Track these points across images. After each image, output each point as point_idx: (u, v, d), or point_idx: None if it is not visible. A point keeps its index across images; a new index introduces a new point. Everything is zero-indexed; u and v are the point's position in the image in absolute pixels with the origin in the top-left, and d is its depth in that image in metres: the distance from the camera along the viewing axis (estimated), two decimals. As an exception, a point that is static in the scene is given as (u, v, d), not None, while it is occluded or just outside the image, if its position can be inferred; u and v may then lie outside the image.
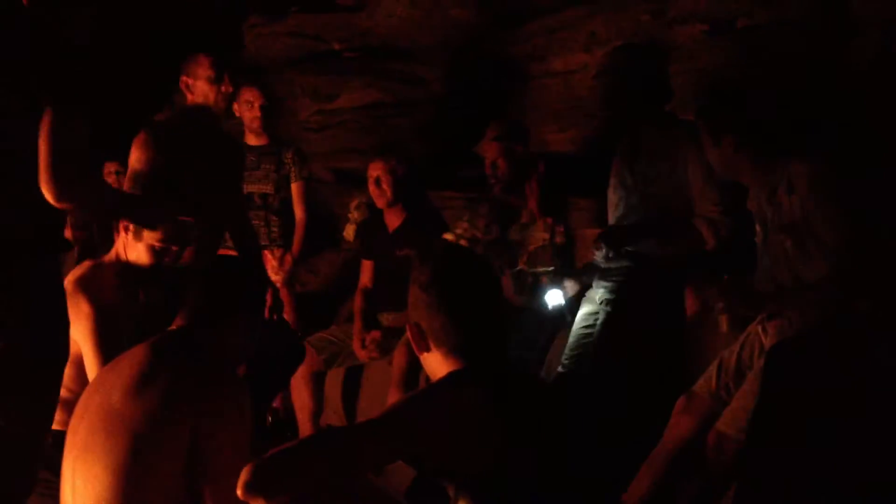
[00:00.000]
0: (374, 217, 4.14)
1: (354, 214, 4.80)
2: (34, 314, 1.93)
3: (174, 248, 2.59)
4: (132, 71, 4.90)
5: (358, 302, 3.90)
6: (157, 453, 1.82)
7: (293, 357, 3.40)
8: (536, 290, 3.43)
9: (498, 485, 1.52)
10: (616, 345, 3.06)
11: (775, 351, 2.21)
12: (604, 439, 2.51)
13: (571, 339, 3.18)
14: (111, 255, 2.66)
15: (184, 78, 3.03)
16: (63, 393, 2.12)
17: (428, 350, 1.68)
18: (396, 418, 1.58)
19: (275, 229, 4.10)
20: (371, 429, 1.57)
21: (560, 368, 3.16)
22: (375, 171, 3.81)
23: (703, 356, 2.82)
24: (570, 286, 3.39)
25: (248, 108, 4.07)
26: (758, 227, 2.63)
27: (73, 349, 2.18)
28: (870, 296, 2.37)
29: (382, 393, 3.51)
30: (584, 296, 3.28)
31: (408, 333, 1.74)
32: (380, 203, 3.86)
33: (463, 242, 3.53)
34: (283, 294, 3.90)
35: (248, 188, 3.95)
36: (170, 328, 2.06)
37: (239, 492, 1.44)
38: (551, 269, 3.46)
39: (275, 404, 3.89)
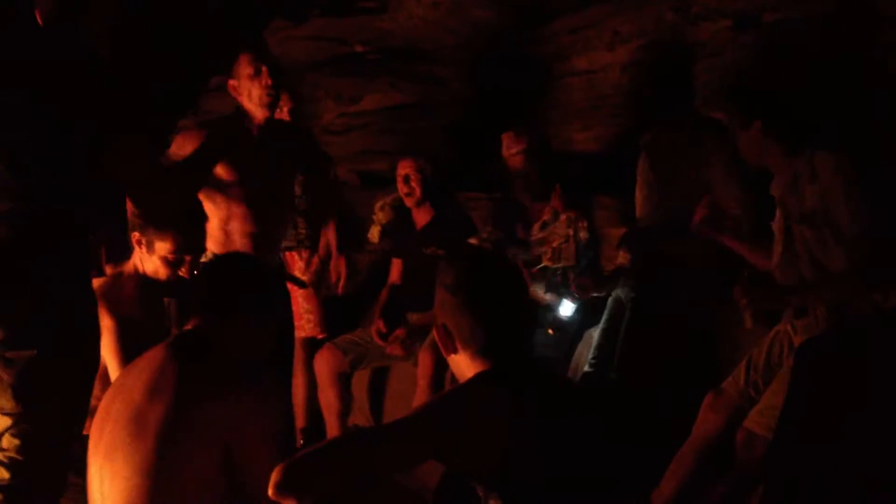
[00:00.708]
0: (402, 216, 4.17)
1: (379, 216, 4.82)
2: (65, 322, 1.96)
3: (188, 258, 2.60)
4: (154, 78, 4.94)
5: (383, 295, 3.94)
6: (184, 451, 1.82)
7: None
8: (563, 288, 3.43)
9: (527, 485, 1.53)
10: (643, 345, 3.05)
11: (805, 349, 2.21)
12: (633, 439, 2.51)
13: (597, 338, 3.18)
14: (129, 268, 2.66)
15: (230, 82, 3.04)
16: (91, 402, 2.12)
17: (455, 351, 1.68)
18: (424, 419, 1.59)
19: (302, 231, 4.13)
20: (399, 429, 1.58)
21: (587, 368, 3.16)
22: (404, 169, 3.83)
23: (735, 355, 2.80)
24: (583, 292, 3.38)
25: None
26: (778, 214, 2.62)
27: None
28: (891, 288, 2.36)
29: (409, 393, 3.53)
30: (608, 295, 3.28)
31: (434, 335, 1.74)
32: (409, 201, 3.88)
33: (487, 246, 3.54)
34: (310, 295, 3.92)
35: None
36: (184, 328, 2.07)
37: (270, 492, 1.46)
38: (573, 265, 3.46)
39: (301, 425, 3.90)
